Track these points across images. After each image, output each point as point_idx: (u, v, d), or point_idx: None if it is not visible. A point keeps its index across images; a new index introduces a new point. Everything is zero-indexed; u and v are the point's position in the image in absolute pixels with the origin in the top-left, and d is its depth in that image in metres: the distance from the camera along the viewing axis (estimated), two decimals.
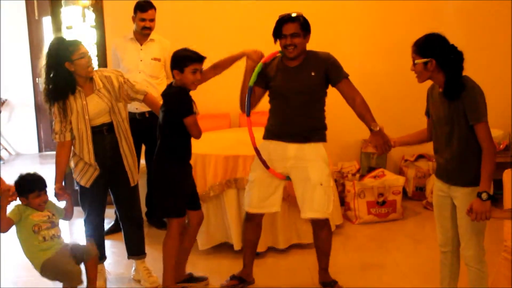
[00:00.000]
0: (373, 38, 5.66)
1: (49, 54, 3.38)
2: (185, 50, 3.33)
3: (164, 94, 3.37)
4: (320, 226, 3.49)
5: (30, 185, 3.24)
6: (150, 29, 4.53)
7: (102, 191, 3.60)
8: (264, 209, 3.52)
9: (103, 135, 3.47)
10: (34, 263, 3.23)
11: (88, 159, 3.44)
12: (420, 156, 5.47)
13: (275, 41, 3.37)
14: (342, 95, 3.40)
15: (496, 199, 2.79)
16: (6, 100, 8.23)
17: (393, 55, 5.43)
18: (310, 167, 3.35)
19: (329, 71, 3.36)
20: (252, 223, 3.59)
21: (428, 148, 5.49)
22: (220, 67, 3.51)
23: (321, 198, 3.36)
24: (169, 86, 3.39)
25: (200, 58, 3.29)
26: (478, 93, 2.75)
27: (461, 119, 2.76)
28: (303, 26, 3.31)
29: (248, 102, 3.40)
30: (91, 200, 3.59)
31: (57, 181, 3.44)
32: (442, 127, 2.86)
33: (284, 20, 3.31)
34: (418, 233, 4.75)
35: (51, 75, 3.36)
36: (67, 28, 5.59)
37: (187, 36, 5.27)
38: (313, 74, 3.34)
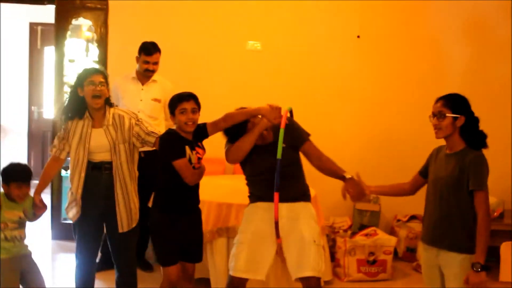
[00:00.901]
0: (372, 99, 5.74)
1: (76, 75, 3.47)
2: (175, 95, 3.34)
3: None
4: (313, 287, 3.30)
5: (14, 174, 3.31)
6: (153, 71, 4.56)
7: (93, 229, 3.50)
8: (250, 274, 3.30)
9: (100, 172, 3.41)
10: None
11: (75, 188, 3.39)
12: (413, 217, 5.43)
13: None
14: (306, 157, 3.38)
15: (488, 267, 2.79)
16: None
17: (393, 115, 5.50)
18: (303, 225, 3.28)
19: (293, 137, 3.32)
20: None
21: (421, 209, 5.54)
22: (231, 119, 3.33)
23: (316, 255, 3.25)
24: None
25: (184, 97, 3.26)
26: (485, 161, 2.81)
27: (463, 183, 2.79)
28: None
29: (277, 178, 3.11)
30: (78, 236, 3.52)
31: (37, 192, 3.45)
32: (440, 188, 2.87)
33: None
34: None
35: (69, 94, 3.46)
36: (70, 61, 5.61)
37: (190, 77, 5.30)
38: (284, 145, 3.24)
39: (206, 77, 5.49)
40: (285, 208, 3.25)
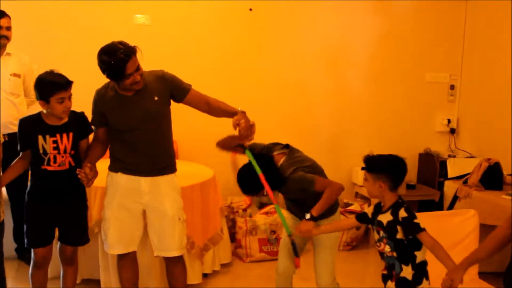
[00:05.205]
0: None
1: None
2: (50, 74, 3.08)
3: None
4: (175, 262, 3.33)
5: None
6: (7, 38, 4.19)
7: None
8: (122, 250, 3.31)
9: None
10: None
11: None
12: None
13: (118, 83, 3.09)
14: (194, 106, 3.28)
15: (316, 218, 3.10)
16: None
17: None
18: (166, 201, 3.22)
19: (173, 90, 3.20)
20: (125, 260, 3.36)
21: None
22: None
23: (181, 234, 3.28)
24: None
25: (63, 86, 3.06)
26: None
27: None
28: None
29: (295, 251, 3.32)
30: None
31: None
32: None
33: (127, 58, 3.00)
34: (307, 271, 4.63)
35: None
36: None
37: (72, 56, 5.02)
38: (156, 98, 3.13)
39: (90, 56, 5.09)
40: (148, 183, 3.20)
